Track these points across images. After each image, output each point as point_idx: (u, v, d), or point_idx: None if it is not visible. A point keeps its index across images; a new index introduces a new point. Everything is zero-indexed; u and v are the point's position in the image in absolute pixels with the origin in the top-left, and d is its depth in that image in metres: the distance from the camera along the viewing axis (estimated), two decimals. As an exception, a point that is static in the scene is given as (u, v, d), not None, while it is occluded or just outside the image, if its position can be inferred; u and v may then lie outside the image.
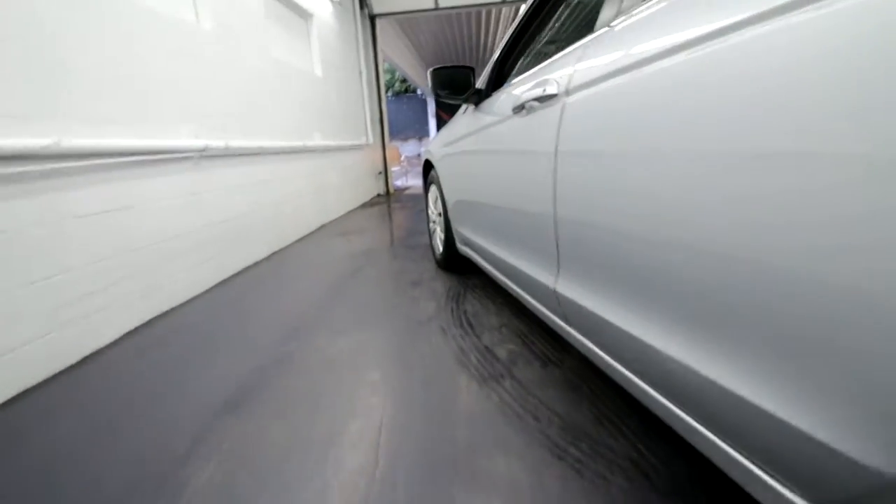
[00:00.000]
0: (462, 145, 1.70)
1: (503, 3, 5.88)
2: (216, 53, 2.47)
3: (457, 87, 1.60)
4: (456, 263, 2.21)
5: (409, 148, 16.88)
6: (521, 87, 1.16)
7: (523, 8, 1.38)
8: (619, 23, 0.79)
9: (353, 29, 5.33)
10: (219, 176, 2.42)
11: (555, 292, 0.99)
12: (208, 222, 2.31)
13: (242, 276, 2.47)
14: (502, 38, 9.37)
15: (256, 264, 2.71)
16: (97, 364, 1.51)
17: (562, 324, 1.03)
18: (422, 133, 17.41)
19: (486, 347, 1.45)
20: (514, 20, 8.37)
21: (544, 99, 0.97)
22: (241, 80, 2.71)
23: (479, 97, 1.60)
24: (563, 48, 1.04)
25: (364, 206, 5.28)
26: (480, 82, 1.61)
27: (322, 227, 3.98)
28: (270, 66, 3.13)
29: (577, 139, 0.84)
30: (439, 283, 2.15)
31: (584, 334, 0.93)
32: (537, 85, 1.02)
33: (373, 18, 5.81)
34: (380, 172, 6.35)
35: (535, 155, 1.01)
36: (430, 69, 1.54)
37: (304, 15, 4.05)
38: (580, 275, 0.89)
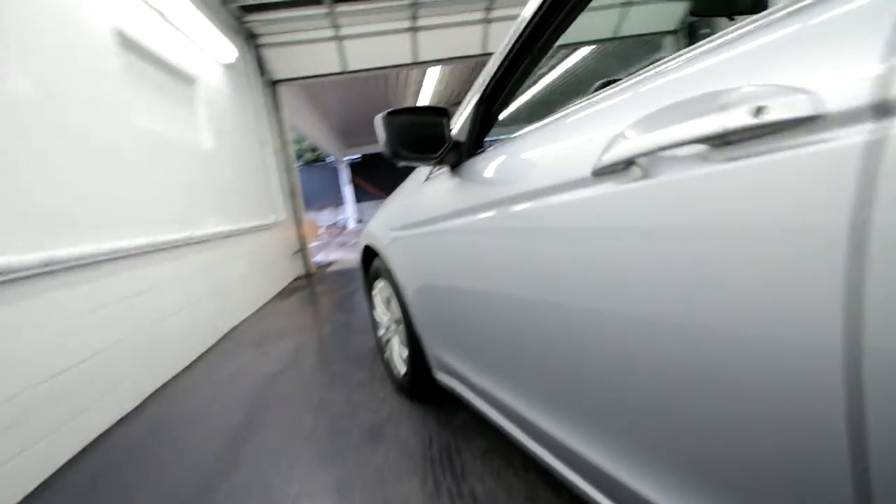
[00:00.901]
0: (441, 226, 1.08)
1: (414, 64, 5.65)
2: (39, 126, 1.66)
3: (420, 142, 1.00)
4: (429, 390, 1.52)
5: (325, 217, 16.09)
6: (599, 127, 0.58)
7: (523, 18, 0.85)
8: None
9: (252, 96, 4.68)
10: (38, 308, 1.54)
11: None
12: (15, 390, 1.39)
13: (77, 466, 1.53)
14: (415, 90, 9.21)
15: (110, 431, 1.75)
16: None
17: None
18: (336, 201, 16.81)
19: None
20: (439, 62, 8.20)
21: (750, 136, 0.39)
22: (86, 159, 1.90)
23: (459, 156, 1.02)
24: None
25: (282, 294, 4.39)
26: (458, 133, 1.03)
27: (228, 334, 3.06)
28: (135, 139, 2.34)
29: None
30: (410, 431, 1.42)
31: None
32: (696, 111, 0.44)
33: (274, 84, 5.22)
34: (297, 251, 5.51)
35: (745, 235, 0.41)
36: (382, 114, 0.92)
37: (187, 79, 3.33)
38: None
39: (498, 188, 0.83)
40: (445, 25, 5.08)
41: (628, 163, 0.51)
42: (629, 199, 0.52)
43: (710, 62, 0.45)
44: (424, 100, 9.48)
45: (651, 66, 0.54)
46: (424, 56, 5.45)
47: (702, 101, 0.43)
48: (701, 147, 0.43)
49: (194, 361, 2.50)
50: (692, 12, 1.19)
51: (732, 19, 1.20)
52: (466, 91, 8.25)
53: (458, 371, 1.18)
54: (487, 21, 5.17)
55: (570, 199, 0.62)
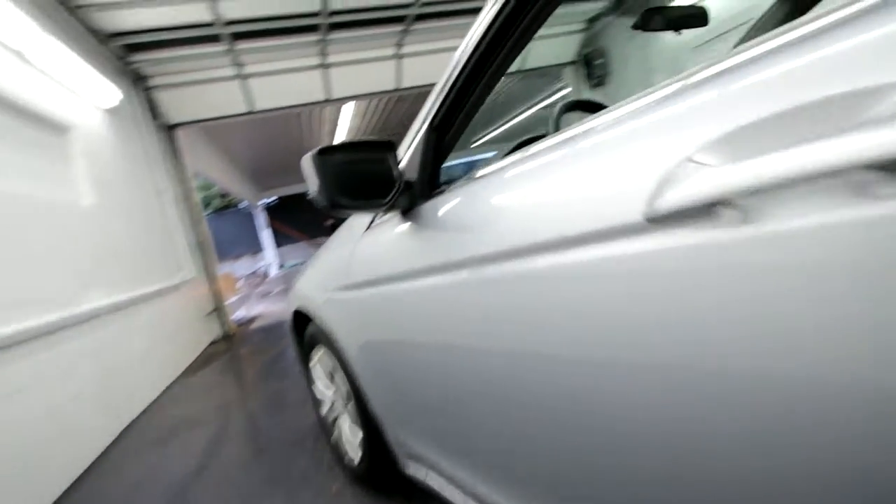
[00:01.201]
0: (398, 288, 0.86)
1: (327, 101, 5.43)
2: None
3: (361, 184, 0.78)
4: (393, 478, 1.24)
5: (243, 266, 14.93)
6: (636, 149, 0.42)
7: (477, 28, 0.70)
8: None
9: (143, 143, 4.14)
10: None
11: None
12: None
13: None
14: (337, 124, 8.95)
15: None
16: None
17: None
18: (254, 248, 15.72)
19: None
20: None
21: None
22: None
23: (412, 199, 0.82)
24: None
25: (195, 366, 3.79)
26: (406, 169, 0.84)
27: (129, 428, 2.50)
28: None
29: None
30: (378, 538, 1.14)
31: None
32: (847, 119, 0.28)
33: (171, 128, 4.70)
34: (212, 310, 4.89)
35: None
36: (311, 154, 0.70)
37: (58, 129, 2.81)
38: None
39: (477, 239, 0.63)
40: (357, 62, 4.95)
41: (712, 203, 0.34)
42: (722, 256, 0.35)
43: (854, 42, 0.29)
44: (342, 136, 9.24)
45: (725, 57, 0.38)
46: (338, 93, 5.26)
47: (858, 101, 0.27)
48: (865, 176, 0.27)
49: (81, 476, 1.96)
50: (635, 26, 1.12)
51: (679, 33, 1.15)
52: (385, 124, 8.10)
53: (432, 461, 0.95)
54: (399, 56, 5.14)
55: (607, 254, 0.44)
